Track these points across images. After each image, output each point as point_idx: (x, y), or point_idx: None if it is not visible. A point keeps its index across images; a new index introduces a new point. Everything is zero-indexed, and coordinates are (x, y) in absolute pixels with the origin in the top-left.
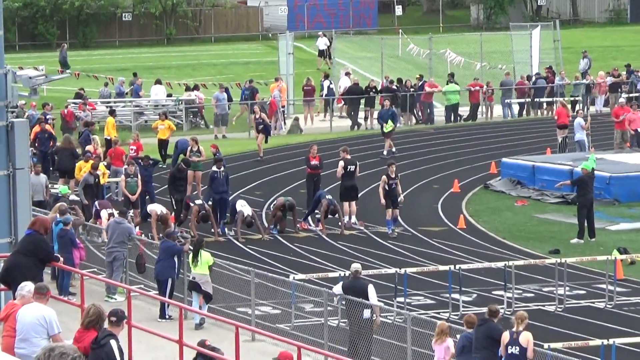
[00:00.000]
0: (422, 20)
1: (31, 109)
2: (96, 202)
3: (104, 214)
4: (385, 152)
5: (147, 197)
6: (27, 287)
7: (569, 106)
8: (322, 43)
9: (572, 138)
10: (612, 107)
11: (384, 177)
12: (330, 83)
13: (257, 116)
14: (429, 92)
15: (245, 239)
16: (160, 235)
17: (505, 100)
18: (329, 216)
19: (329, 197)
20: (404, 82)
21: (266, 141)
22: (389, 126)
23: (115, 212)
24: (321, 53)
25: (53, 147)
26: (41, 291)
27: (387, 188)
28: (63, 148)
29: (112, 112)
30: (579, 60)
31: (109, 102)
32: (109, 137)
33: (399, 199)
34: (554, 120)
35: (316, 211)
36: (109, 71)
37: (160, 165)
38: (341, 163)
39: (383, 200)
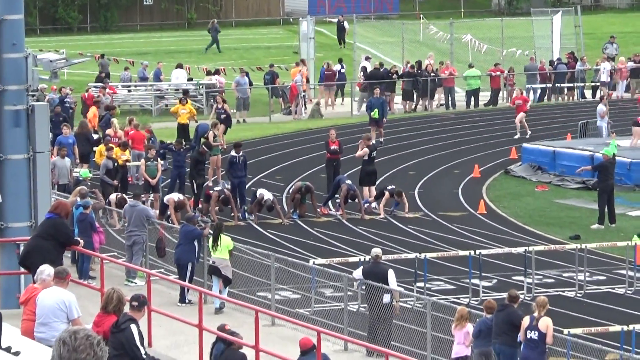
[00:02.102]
0: (443, 5)
1: (52, 92)
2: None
3: (112, 197)
4: (374, 141)
5: (178, 180)
6: (46, 270)
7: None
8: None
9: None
10: (633, 92)
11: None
12: (342, 67)
13: (220, 106)
14: (451, 77)
15: (265, 224)
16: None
17: (527, 86)
18: (349, 201)
19: (348, 182)
20: (424, 67)
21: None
22: (375, 113)
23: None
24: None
25: None
26: (61, 275)
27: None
28: (78, 133)
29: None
30: (605, 44)
31: (129, 86)
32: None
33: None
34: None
35: (336, 196)
36: (130, 55)
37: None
38: (366, 150)
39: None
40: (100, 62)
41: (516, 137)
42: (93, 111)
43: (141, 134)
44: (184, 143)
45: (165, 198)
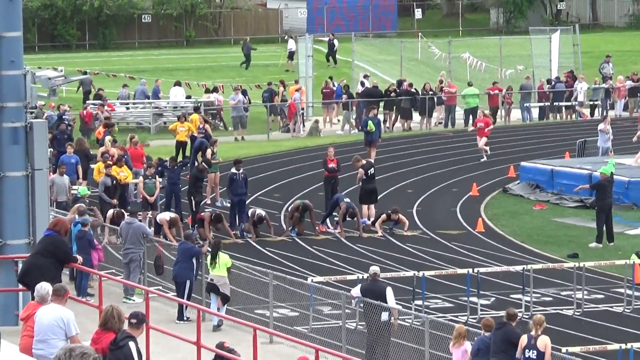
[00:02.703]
0: (441, 24)
1: (50, 109)
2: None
3: (109, 212)
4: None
5: (172, 197)
6: (44, 287)
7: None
8: (292, 44)
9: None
10: (631, 111)
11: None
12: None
13: (201, 126)
14: (452, 96)
15: (263, 241)
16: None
17: (525, 104)
18: (348, 219)
19: (347, 200)
20: (423, 86)
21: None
22: (370, 127)
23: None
24: (291, 55)
25: None
26: (59, 292)
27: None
28: (76, 150)
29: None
30: (602, 64)
31: (127, 104)
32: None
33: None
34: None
35: (334, 214)
36: (128, 72)
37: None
38: (361, 171)
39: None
40: (81, 80)
41: (482, 160)
42: (99, 130)
43: (139, 151)
44: (178, 160)
45: (158, 218)
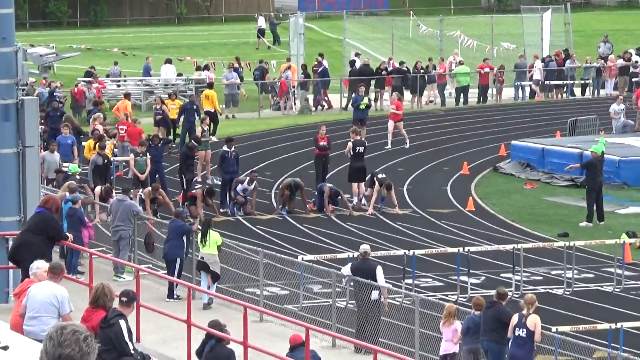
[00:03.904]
0: (433, 2)
1: (41, 86)
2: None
3: (97, 189)
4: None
5: (157, 175)
6: (37, 264)
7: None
8: (261, 21)
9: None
10: (621, 90)
11: (349, 143)
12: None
13: (158, 107)
14: (444, 74)
15: (253, 219)
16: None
17: (517, 83)
18: (334, 199)
19: (329, 185)
20: (414, 64)
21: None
22: (363, 104)
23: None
24: (262, 32)
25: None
26: (55, 270)
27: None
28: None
29: (127, 95)
30: (599, 43)
31: (118, 81)
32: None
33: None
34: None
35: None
36: (121, 49)
37: (172, 146)
38: (350, 144)
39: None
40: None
41: (387, 147)
42: (125, 104)
43: (137, 129)
44: (159, 137)
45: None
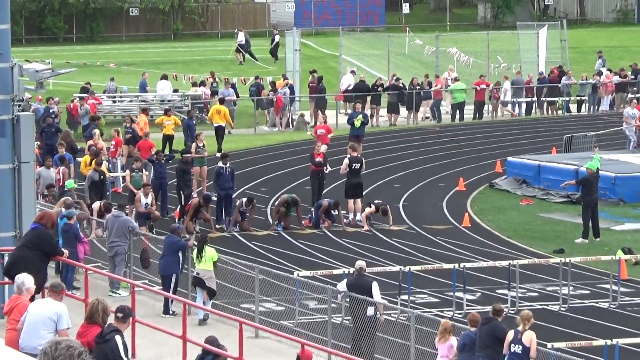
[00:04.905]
0: (429, 19)
1: (37, 102)
2: None
3: (95, 204)
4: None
5: (160, 192)
6: (22, 278)
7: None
8: (241, 36)
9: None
10: (618, 107)
11: (345, 160)
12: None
13: (128, 125)
14: (440, 90)
15: (249, 235)
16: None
17: (512, 99)
18: (331, 212)
19: (327, 200)
20: (411, 81)
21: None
22: (358, 121)
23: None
24: (242, 48)
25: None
26: (56, 289)
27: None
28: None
29: (144, 110)
30: (595, 60)
31: (114, 97)
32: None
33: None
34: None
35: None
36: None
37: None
38: (346, 160)
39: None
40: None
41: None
42: (144, 119)
43: (148, 142)
44: (163, 153)
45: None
